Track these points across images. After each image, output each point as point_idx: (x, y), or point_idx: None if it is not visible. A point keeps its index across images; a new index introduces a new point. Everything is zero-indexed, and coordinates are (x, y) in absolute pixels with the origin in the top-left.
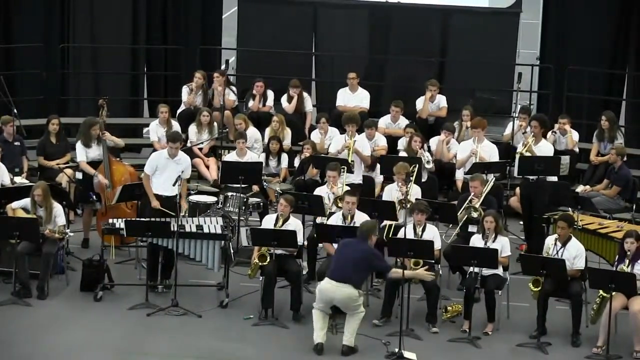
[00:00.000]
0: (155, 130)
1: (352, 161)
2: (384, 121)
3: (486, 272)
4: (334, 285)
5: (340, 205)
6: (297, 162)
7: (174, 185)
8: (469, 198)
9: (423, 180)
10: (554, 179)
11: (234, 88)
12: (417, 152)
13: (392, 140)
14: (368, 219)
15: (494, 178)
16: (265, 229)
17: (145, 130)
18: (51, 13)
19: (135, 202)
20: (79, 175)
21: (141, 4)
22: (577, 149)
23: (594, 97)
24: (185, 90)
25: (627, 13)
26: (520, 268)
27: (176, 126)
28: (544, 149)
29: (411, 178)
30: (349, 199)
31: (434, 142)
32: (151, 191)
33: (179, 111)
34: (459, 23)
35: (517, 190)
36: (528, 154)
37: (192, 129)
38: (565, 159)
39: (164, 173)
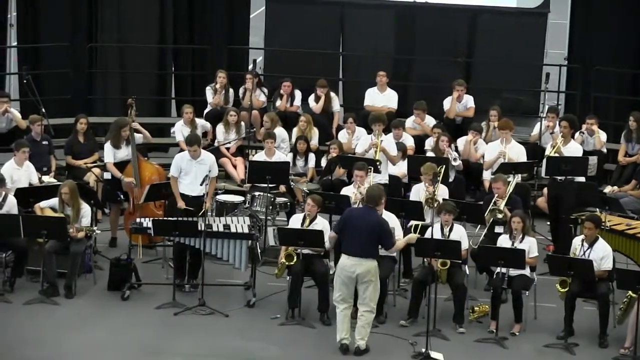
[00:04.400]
0: (180, 131)
1: (378, 161)
2: (411, 122)
3: (513, 272)
4: (355, 261)
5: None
6: (324, 162)
7: (201, 184)
8: (493, 200)
9: (450, 180)
10: (582, 179)
11: (265, 90)
12: (444, 152)
13: (419, 140)
14: (394, 217)
15: (516, 178)
16: (292, 228)
17: (172, 130)
18: (78, 13)
19: (163, 202)
20: (108, 175)
21: (168, 3)
22: (604, 150)
23: (622, 97)
24: (209, 91)
25: None
26: (548, 268)
27: (201, 126)
28: (573, 150)
29: (438, 178)
30: None
31: (461, 142)
32: (178, 192)
33: (205, 112)
34: (486, 23)
35: (545, 190)
36: (556, 154)
37: (220, 128)
38: (593, 160)
39: (189, 174)
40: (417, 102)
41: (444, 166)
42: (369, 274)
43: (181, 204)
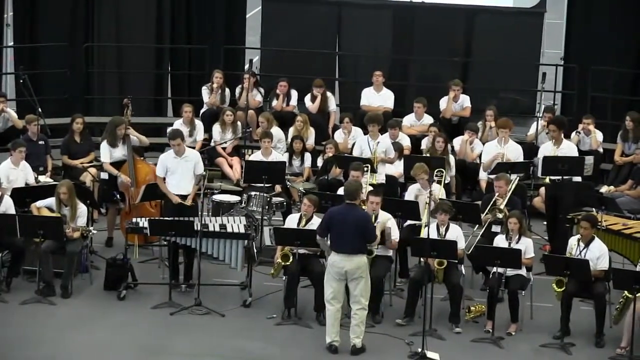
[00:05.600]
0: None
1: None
2: (409, 119)
3: (510, 272)
4: (343, 257)
5: (364, 205)
6: (320, 162)
7: (197, 184)
8: (494, 199)
9: (447, 180)
10: (578, 179)
11: (262, 90)
12: (440, 152)
13: (416, 139)
14: (390, 217)
15: (518, 178)
16: (289, 228)
17: (169, 129)
18: (75, 12)
19: (159, 202)
20: (104, 175)
21: (165, 3)
22: (601, 149)
23: (618, 97)
24: (205, 91)
25: None
26: (544, 268)
27: (200, 126)
28: (567, 150)
29: (435, 178)
30: (372, 199)
31: (457, 142)
32: (168, 191)
33: (202, 111)
34: (483, 23)
35: (541, 190)
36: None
37: (216, 128)
38: (590, 159)
39: (176, 173)
40: (418, 97)
41: (443, 171)
42: (359, 269)
43: (176, 199)
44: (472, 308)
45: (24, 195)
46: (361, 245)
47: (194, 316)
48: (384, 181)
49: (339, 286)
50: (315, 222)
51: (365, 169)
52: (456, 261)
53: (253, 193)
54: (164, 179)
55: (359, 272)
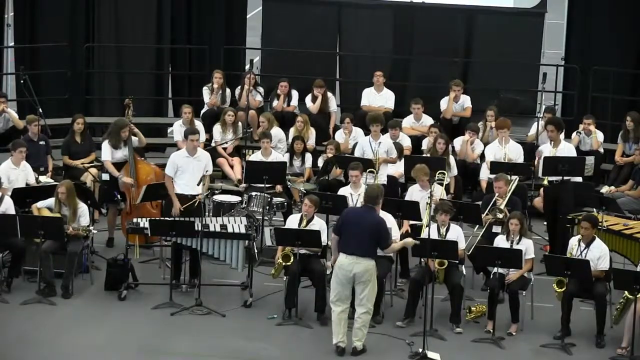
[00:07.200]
0: (179, 131)
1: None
2: (408, 121)
3: (512, 272)
4: (352, 260)
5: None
6: (320, 162)
7: (198, 184)
8: (494, 199)
9: (447, 181)
10: (579, 179)
11: (260, 89)
12: (440, 153)
13: (416, 140)
14: (391, 217)
15: (517, 178)
16: (289, 228)
17: (169, 130)
18: (76, 13)
19: (160, 202)
20: (105, 176)
21: (166, 3)
22: (601, 150)
23: (619, 97)
24: (205, 91)
25: None
26: (545, 269)
27: (200, 127)
28: (566, 150)
29: (436, 180)
30: None
31: (458, 142)
32: (173, 193)
33: (202, 112)
34: (483, 23)
35: (542, 191)
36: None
37: (217, 128)
38: (590, 160)
39: (186, 172)
40: (415, 98)
41: (444, 173)
42: (367, 273)
43: (178, 206)
44: (472, 308)
45: (24, 196)
46: (372, 249)
47: (195, 316)
48: (385, 182)
49: (344, 289)
50: (317, 223)
51: (373, 172)
52: (457, 261)
53: (254, 193)
54: (172, 178)
55: (366, 276)
